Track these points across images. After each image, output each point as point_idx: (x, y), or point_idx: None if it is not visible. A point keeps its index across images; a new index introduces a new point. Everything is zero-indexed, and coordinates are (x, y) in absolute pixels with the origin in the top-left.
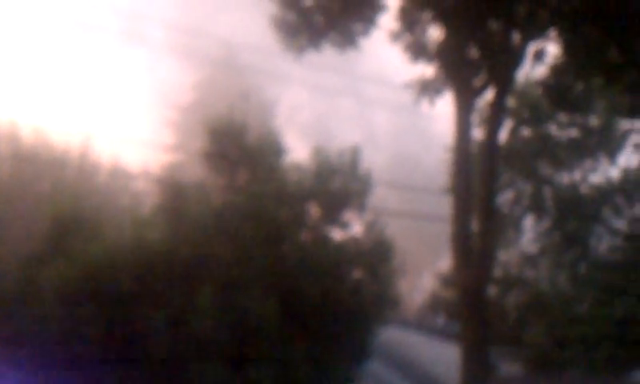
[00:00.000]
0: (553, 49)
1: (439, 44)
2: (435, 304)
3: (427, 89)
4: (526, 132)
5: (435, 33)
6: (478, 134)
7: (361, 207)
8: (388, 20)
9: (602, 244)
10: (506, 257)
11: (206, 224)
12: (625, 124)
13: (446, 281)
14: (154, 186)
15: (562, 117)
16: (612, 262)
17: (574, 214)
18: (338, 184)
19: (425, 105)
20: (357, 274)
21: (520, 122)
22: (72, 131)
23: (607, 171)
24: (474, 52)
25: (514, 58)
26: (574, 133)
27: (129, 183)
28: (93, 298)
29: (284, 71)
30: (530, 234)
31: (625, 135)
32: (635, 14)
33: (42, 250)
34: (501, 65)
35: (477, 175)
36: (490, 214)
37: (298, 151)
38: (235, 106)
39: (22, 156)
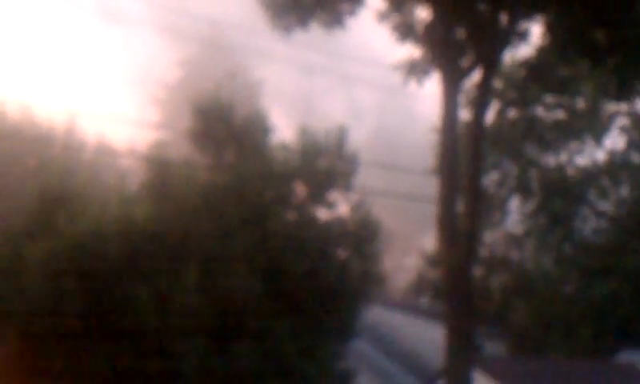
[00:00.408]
0: (538, 29)
1: (426, 24)
2: (420, 284)
3: (415, 69)
4: (512, 113)
5: (423, 13)
6: (464, 114)
7: (347, 187)
8: (376, 0)
9: (587, 226)
10: (492, 238)
11: (191, 202)
12: (611, 106)
13: (432, 261)
14: (140, 163)
15: (549, 98)
16: (597, 244)
17: (560, 196)
18: (324, 164)
19: (412, 85)
20: (342, 253)
21: (506, 104)
22: (58, 108)
23: (593, 153)
24: (461, 33)
25: (501, 39)
26: (560, 114)
27: (114, 161)
28: (78, 274)
29: (270, 49)
30: (515, 215)
31: (611, 117)
32: None
33: (28, 226)
34: (488, 46)
35: (463, 156)
36: (476, 194)
37: (282, 129)
38: (222, 84)
39: (7, 133)
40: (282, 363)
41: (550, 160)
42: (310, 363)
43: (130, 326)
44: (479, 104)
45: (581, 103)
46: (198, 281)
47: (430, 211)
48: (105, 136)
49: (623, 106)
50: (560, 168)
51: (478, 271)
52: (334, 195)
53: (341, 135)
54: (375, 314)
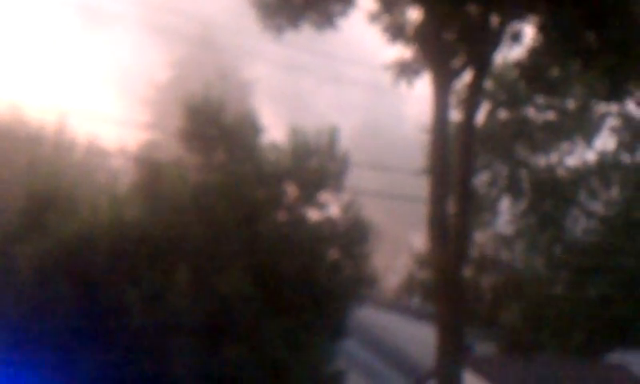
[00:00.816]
0: (530, 31)
1: (417, 25)
2: (411, 284)
3: (405, 70)
4: (503, 114)
5: (414, 14)
6: (455, 115)
7: (338, 187)
8: (367, 1)
9: (578, 226)
10: (482, 238)
11: (182, 202)
12: (601, 107)
13: (422, 261)
14: (131, 163)
15: (539, 99)
16: (587, 245)
17: (550, 196)
18: (315, 164)
19: (402, 86)
20: (333, 254)
21: (497, 104)
22: (48, 108)
23: (583, 154)
24: (452, 34)
25: (492, 40)
26: (550, 115)
27: (105, 161)
28: (68, 274)
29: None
30: (505, 215)
31: (601, 118)
32: None
33: (18, 226)
34: (479, 47)
35: (454, 157)
36: (467, 195)
37: (270, 127)
38: (212, 84)
39: None
40: (273, 363)
41: (541, 161)
42: (301, 363)
43: (120, 327)
44: (470, 105)
45: (571, 104)
46: (188, 281)
47: (419, 211)
48: (95, 136)
49: (614, 107)
50: (550, 169)
51: (468, 271)
52: (325, 196)
53: (332, 135)
54: (366, 315)
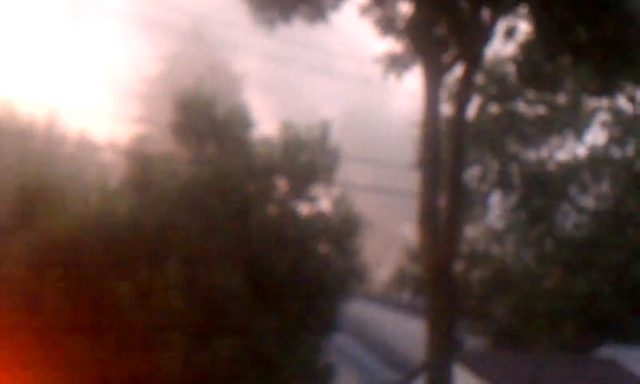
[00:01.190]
0: (524, 26)
1: (409, 19)
2: (401, 279)
3: (396, 63)
4: (493, 108)
5: (405, 8)
6: (446, 109)
7: (329, 182)
8: None
9: (568, 221)
10: (473, 232)
11: (173, 196)
12: (592, 102)
13: (413, 256)
14: (121, 157)
15: (530, 94)
16: (578, 239)
17: (541, 191)
18: (306, 158)
19: (392, 79)
20: (324, 248)
21: (488, 99)
22: (38, 102)
23: (574, 149)
24: (443, 28)
25: (483, 34)
26: (541, 110)
27: (95, 155)
28: (58, 268)
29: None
30: (496, 210)
31: (592, 113)
32: None
33: (8, 220)
34: (470, 41)
35: (445, 151)
36: (458, 189)
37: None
38: (203, 78)
39: None
40: (263, 357)
41: (531, 155)
42: (291, 358)
43: (111, 321)
44: (461, 99)
45: (562, 98)
46: (179, 275)
47: (410, 203)
48: (86, 130)
49: (604, 102)
50: (541, 163)
51: (459, 266)
52: (316, 190)
53: (323, 130)
54: (356, 309)
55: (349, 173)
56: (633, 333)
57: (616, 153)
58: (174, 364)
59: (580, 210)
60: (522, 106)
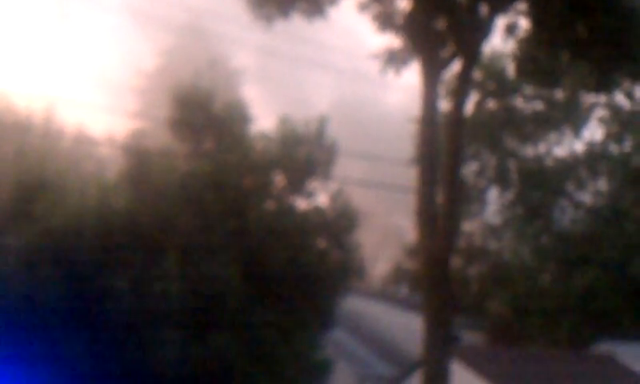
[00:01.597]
0: (522, 22)
1: (407, 15)
2: (398, 274)
3: (394, 59)
4: (491, 104)
5: (403, 3)
6: (444, 105)
7: (326, 176)
8: None
9: (565, 217)
10: (470, 228)
11: (170, 191)
12: (590, 98)
13: (410, 251)
14: (119, 152)
15: (528, 90)
16: (575, 235)
17: (538, 187)
18: (303, 153)
19: (390, 74)
20: (321, 243)
21: (486, 95)
22: (36, 96)
23: (571, 145)
24: (441, 23)
25: (481, 30)
26: (539, 106)
27: (93, 149)
28: (56, 262)
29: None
30: (493, 205)
31: (589, 109)
32: None
33: (6, 215)
34: (468, 37)
35: (442, 147)
36: (455, 185)
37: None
38: (201, 73)
39: None
40: (261, 352)
41: (529, 151)
42: (289, 352)
43: (108, 315)
44: (459, 95)
45: (560, 95)
46: (177, 270)
47: (407, 197)
48: (83, 124)
49: (602, 98)
50: (538, 159)
51: (456, 261)
52: (313, 184)
53: (320, 125)
54: (353, 304)
55: (342, 165)
56: (630, 328)
57: (613, 149)
58: (172, 357)
59: (577, 205)
60: (519, 102)
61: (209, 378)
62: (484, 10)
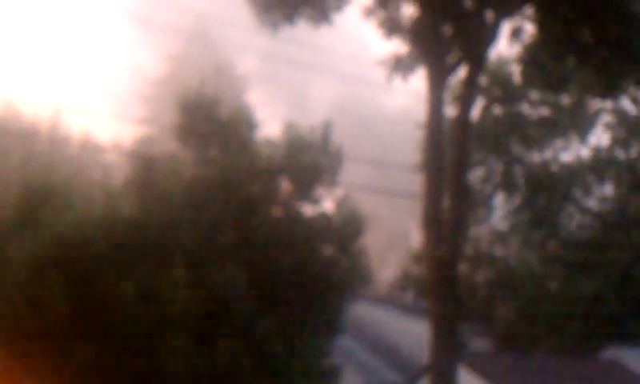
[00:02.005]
0: (528, 27)
1: (413, 21)
2: (405, 280)
3: (400, 65)
4: (497, 110)
5: (409, 9)
6: (450, 111)
7: (332, 182)
8: None
9: (572, 222)
10: (477, 234)
11: (176, 197)
12: (596, 103)
13: (417, 257)
14: (125, 158)
15: (534, 95)
16: (582, 241)
17: (544, 192)
18: (309, 159)
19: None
20: (328, 249)
21: (492, 100)
22: (42, 103)
23: (578, 150)
24: (447, 29)
25: (487, 36)
26: (545, 111)
27: (99, 156)
28: (62, 269)
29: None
30: (500, 211)
31: (596, 114)
32: None
33: (12, 221)
34: (474, 43)
35: (448, 153)
36: (461, 191)
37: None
38: (207, 79)
39: None
40: (267, 358)
41: (535, 157)
42: (295, 359)
43: (114, 321)
44: (465, 100)
45: (566, 100)
46: (183, 276)
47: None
48: (90, 131)
49: (608, 103)
50: (545, 165)
51: (462, 267)
52: (319, 190)
53: (325, 130)
54: (360, 310)
55: (346, 168)
56: (637, 334)
57: (620, 154)
58: (178, 363)
59: (584, 211)
60: (525, 108)
61: None
62: (490, 15)
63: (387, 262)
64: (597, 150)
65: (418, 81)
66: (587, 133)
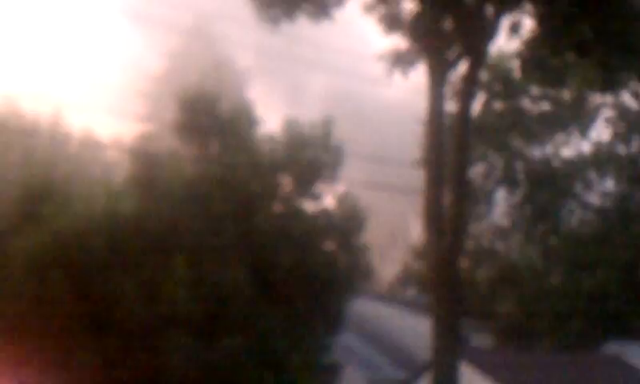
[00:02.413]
0: (528, 22)
1: (413, 16)
2: (407, 276)
3: (400, 60)
4: (498, 105)
5: (409, 4)
6: (450, 106)
7: (333, 179)
8: None
9: (573, 218)
10: (478, 230)
11: (177, 194)
12: (596, 98)
13: (418, 253)
14: (126, 156)
15: (535, 90)
16: (583, 236)
17: (546, 188)
18: (310, 155)
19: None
20: (329, 245)
21: (492, 96)
22: (43, 100)
23: (579, 145)
24: (448, 24)
25: (488, 30)
26: (545, 106)
27: (100, 153)
28: (64, 267)
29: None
30: (501, 207)
31: (596, 109)
32: None
33: (13, 218)
34: (474, 38)
35: (449, 148)
36: (462, 186)
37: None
38: (208, 76)
39: None
40: (269, 355)
41: (536, 152)
42: (297, 355)
43: (117, 319)
44: (465, 96)
45: (566, 95)
46: (185, 273)
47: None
48: (90, 128)
49: (609, 98)
50: (546, 160)
51: (464, 263)
52: (320, 187)
53: (326, 127)
54: (362, 306)
55: (345, 162)
56: (638, 329)
57: (621, 149)
58: (181, 360)
59: (585, 206)
60: (526, 103)
61: (218, 382)
62: (490, 10)
63: (388, 258)
64: (598, 145)
65: (416, 74)
66: (588, 128)
